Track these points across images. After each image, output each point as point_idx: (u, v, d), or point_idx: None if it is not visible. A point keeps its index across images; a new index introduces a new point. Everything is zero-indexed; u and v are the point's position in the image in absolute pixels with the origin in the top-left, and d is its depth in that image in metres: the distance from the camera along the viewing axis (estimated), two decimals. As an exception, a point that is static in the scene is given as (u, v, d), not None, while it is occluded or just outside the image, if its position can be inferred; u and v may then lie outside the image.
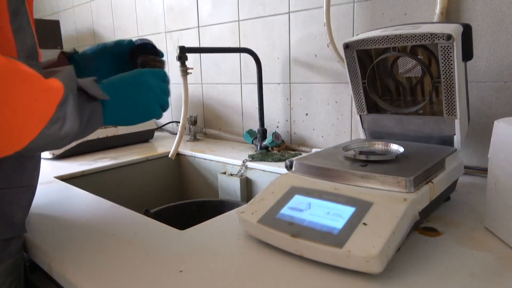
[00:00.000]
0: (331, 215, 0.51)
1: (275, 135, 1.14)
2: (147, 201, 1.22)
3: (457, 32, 0.61)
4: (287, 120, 1.21)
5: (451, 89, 0.65)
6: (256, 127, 1.22)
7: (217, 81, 1.41)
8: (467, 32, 0.64)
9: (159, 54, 0.73)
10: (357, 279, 0.45)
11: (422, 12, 0.88)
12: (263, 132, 1.18)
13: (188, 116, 1.41)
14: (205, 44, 1.42)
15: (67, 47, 1.98)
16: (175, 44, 1.55)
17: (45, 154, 1.16)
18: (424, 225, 0.59)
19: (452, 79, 0.64)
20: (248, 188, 1.10)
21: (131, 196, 1.18)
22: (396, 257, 0.49)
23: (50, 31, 1.89)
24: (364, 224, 0.48)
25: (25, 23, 0.52)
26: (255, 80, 1.18)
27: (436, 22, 0.83)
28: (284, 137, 1.21)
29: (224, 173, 1.14)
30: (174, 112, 1.64)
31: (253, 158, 1.09)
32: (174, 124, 1.64)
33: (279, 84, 1.21)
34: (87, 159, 1.17)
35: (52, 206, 0.76)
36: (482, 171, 0.83)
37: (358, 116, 0.80)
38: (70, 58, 0.71)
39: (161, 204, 0.95)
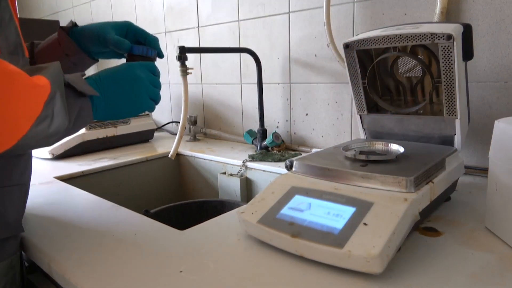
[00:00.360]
0: (332, 215, 0.51)
1: (275, 135, 1.14)
2: (147, 201, 1.22)
3: (457, 32, 0.61)
4: (287, 120, 1.21)
5: (451, 89, 0.65)
6: (256, 127, 1.22)
7: (217, 81, 1.41)
8: (467, 32, 0.64)
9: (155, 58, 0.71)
10: (358, 280, 0.45)
11: (422, 12, 0.88)
12: (263, 132, 1.18)
13: (188, 116, 1.41)
14: (205, 44, 1.42)
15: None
16: (175, 44, 1.55)
17: (45, 154, 1.16)
18: (424, 225, 0.59)
19: (453, 79, 0.64)
20: (248, 188, 1.10)
21: (131, 196, 1.18)
22: (396, 257, 0.49)
23: (49, 31, 1.88)
24: (365, 224, 0.48)
25: (7, 18, 0.51)
26: (255, 80, 1.18)
27: (436, 22, 0.83)
28: (284, 137, 1.21)
29: (224, 173, 1.14)
30: (174, 112, 1.64)
31: (253, 158, 1.09)
32: (174, 124, 1.64)
33: (279, 84, 1.21)
34: (87, 159, 1.17)
35: (52, 206, 0.76)
36: (482, 171, 0.83)
37: (358, 116, 0.80)
38: (70, 32, 0.69)
39: (161, 204, 0.95)
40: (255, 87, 1.21)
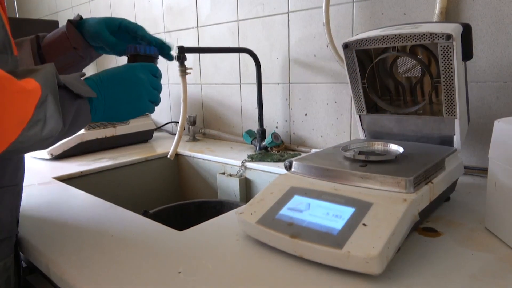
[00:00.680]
0: (331, 215, 0.51)
1: (275, 135, 1.14)
2: (146, 202, 1.22)
3: (457, 31, 0.61)
4: (286, 120, 1.21)
5: (451, 89, 0.65)
6: (255, 127, 1.21)
7: (216, 81, 1.41)
8: (467, 31, 0.64)
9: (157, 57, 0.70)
10: (357, 280, 0.45)
11: (421, 12, 0.88)
12: (262, 132, 1.18)
13: (187, 116, 1.41)
14: (204, 44, 1.42)
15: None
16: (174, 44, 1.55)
17: (44, 155, 1.16)
18: (424, 226, 0.59)
19: (452, 79, 0.64)
20: (247, 189, 1.10)
21: (130, 197, 1.17)
22: (396, 257, 0.48)
23: (49, 31, 1.88)
24: (364, 224, 0.47)
25: None
26: (255, 80, 1.18)
27: (436, 22, 0.83)
28: (283, 137, 1.21)
29: (223, 173, 1.13)
30: (173, 112, 1.64)
31: (252, 158, 1.09)
32: (173, 124, 1.64)
33: (278, 84, 1.21)
34: (86, 160, 1.16)
35: (51, 206, 0.75)
36: (482, 171, 0.83)
37: (358, 116, 0.80)
38: (78, 25, 0.69)
39: (160, 204, 0.95)
40: (255, 87, 1.21)
